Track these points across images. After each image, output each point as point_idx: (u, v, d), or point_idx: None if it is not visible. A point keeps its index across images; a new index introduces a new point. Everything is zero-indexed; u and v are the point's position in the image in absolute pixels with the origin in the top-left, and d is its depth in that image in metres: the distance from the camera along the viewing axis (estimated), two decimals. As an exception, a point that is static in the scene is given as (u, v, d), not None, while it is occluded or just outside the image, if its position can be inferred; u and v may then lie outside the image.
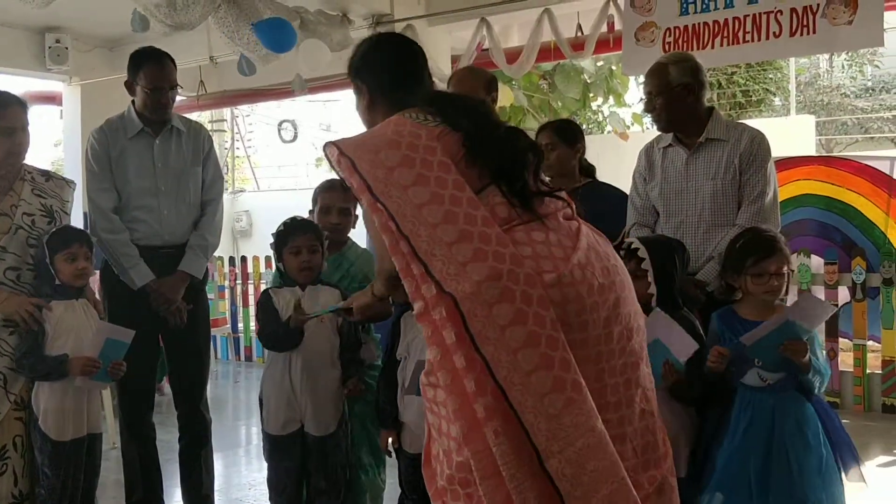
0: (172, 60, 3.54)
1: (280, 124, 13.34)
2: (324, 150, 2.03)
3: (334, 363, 3.16)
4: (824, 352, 2.79)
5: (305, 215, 3.38)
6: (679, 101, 3.23)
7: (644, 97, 3.38)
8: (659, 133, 3.43)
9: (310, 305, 3.09)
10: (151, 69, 3.46)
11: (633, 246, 2.84)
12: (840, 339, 5.87)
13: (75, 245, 3.10)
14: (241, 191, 13.88)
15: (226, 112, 13.62)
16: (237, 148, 15.38)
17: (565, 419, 1.79)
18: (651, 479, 2.00)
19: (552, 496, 1.79)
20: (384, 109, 2.20)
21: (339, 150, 1.97)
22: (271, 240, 3.26)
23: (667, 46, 5.49)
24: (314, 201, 3.57)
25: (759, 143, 3.19)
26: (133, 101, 3.56)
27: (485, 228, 1.87)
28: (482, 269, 1.82)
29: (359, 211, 3.66)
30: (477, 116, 2.11)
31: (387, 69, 2.27)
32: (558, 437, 1.78)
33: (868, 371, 5.77)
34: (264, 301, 3.20)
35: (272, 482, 3.21)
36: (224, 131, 14.05)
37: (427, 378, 2.00)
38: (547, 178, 3.75)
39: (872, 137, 18.32)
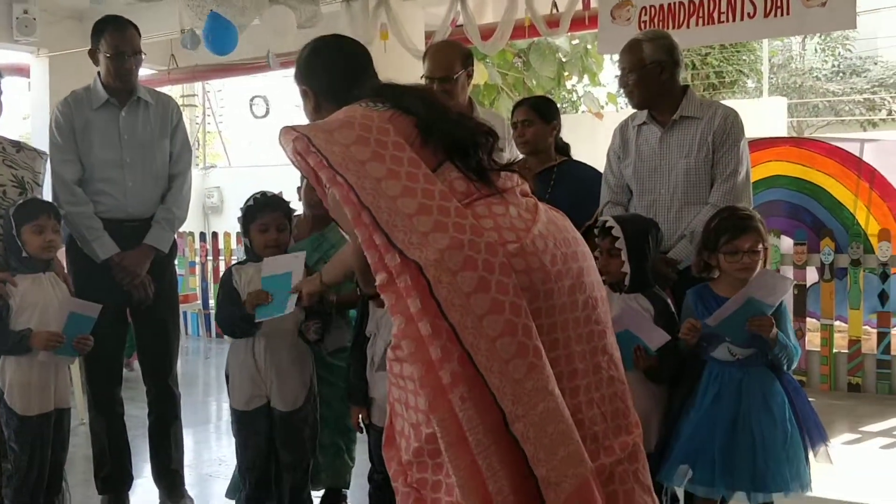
0: (136, 27, 3.49)
1: (252, 100, 13.20)
2: (279, 137, 2.05)
3: (299, 338, 3.16)
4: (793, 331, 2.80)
5: (277, 191, 3.34)
6: (652, 79, 3.23)
7: (619, 74, 3.37)
8: (634, 111, 3.43)
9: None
10: (113, 35, 3.41)
11: (607, 224, 2.85)
12: (808, 319, 5.94)
13: (43, 217, 3.05)
14: (213, 167, 13.76)
15: (197, 87, 13.47)
16: (208, 123, 15.23)
17: (528, 384, 1.83)
18: (623, 444, 2.03)
19: (514, 460, 1.83)
20: (330, 109, 2.22)
21: (295, 132, 2.00)
22: (240, 214, 3.24)
23: (643, 25, 5.49)
24: (301, 177, 3.54)
25: (732, 121, 3.19)
26: (99, 73, 3.51)
27: (443, 202, 1.90)
28: (443, 238, 1.85)
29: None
30: (427, 100, 2.15)
31: (329, 71, 2.31)
32: (522, 400, 1.82)
33: (835, 350, 5.85)
34: (225, 279, 3.19)
35: (240, 457, 3.22)
36: (195, 106, 13.90)
37: (393, 352, 2.02)
38: (521, 155, 3.77)
39: (843, 120, 18.51)
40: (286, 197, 3.57)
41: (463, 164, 2.04)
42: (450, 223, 1.87)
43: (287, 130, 2.03)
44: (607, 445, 2.00)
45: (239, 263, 3.27)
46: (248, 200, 3.20)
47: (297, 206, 3.63)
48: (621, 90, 3.39)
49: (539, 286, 1.90)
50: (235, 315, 3.06)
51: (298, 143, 1.99)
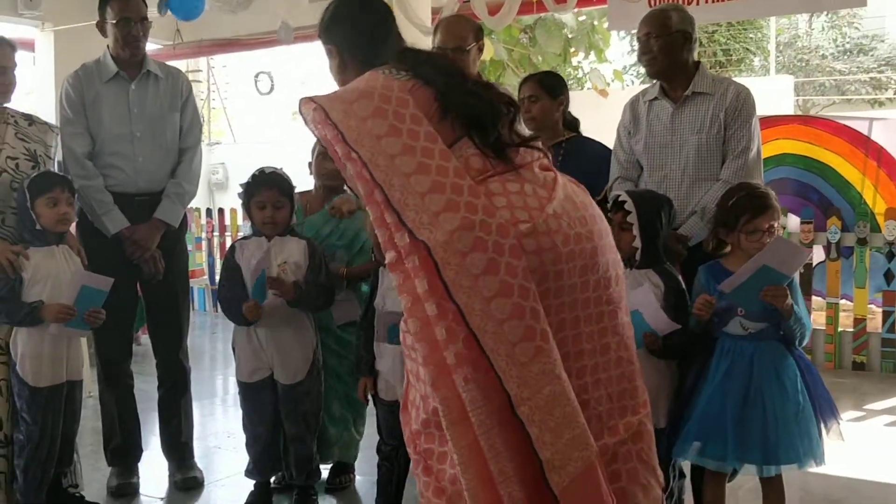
0: None
1: (256, 76, 13.13)
2: (299, 107, 2.04)
3: (300, 312, 3.20)
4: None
5: (282, 167, 3.35)
6: (676, 47, 3.21)
7: (640, 41, 3.30)
8: (643, 87, 3.41)
9: (276, 255, 3.15)
10: (118, 1, 3.39)
11: (620, 198, 2.85)
12: (813, 298, 5.94)
13: (57, 190, 3.05)
14: (217, 143, 13.73)
15: (201, 62, 13.41)
16: (213, 99, 15.17)
17: (534, 367, 1.83)
18: (627, 425, 2.04)
19: (517, 442, 1.84)
20: (356, 68, 2.23)
21: (313, 103, 1.99)
22: (240, 190, 3.27)
23: (652, 1, 5.45)
24: (313, 150, 3.56)
25: (744, 97, 3.18)
26: (108, 47, 3.50)
27: (457, 180, 1.89)
28: (454, 218, 1.84)
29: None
30: (448, 71, 2.13)
31: (356, 28, 2.30)
32: (528, 383, 1.82)
33: (840, 329, 5.86)
34: (228, 258, 3.23)
35: (247, 429, 3.30)
36: (200, 82, 13.83)
37: (406, 325, 2.03)
38: (528, 131, 3.76)
39: (849, 99, 18.42)
40: (293, 171, 3.59)
41: (481, 140, 2.02)
42: (462, 202, 1.86)
43: (306, 101, 2.02)
44: (612, 426, 2.01)
45: (243, 238, 3.31)
46: (249, 177, 3.23)
47: (307, 181, 3.65)
48: (642, 56, 3.31)
49: (549, 267, 1.90)
50: (233, 301, 3.14)
51: (317, 114, 1.98)
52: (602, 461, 1.93)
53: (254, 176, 3.21)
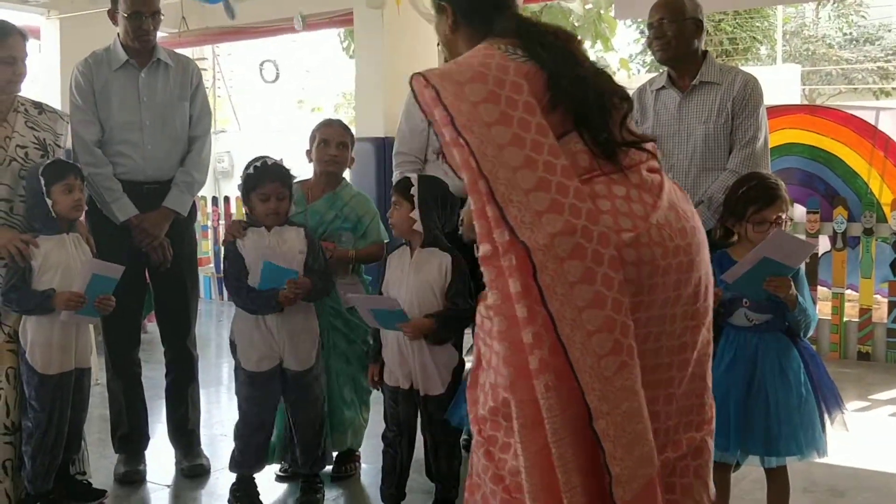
0: None
1: (262, 64, 13.12)
2: (410, 81, 1.95)
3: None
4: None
5: (286, 157, 3.36)
6: (689, 34, 3.22)
7: (652, 27, 3.29)
8: (650, 76, 3.41)
9: (277, 244, 3.15)
10: None
11: None
12: (819, 288, 5.94)
13: (71, 176, 3.06)
14: (223, 131, 13.73)
15: (207, 51, 13.41)
16: (218, 87, 15.16)
17: (616, 382, 1.79)
18: (690, 440, 2.00)
19: (587, 454, 1.81)
20: (468, 32, 2.12)
21: (425, 80, 1.89)
22: (240, 181, 3.24)
23: (659, -11, 5.41)
24: (312, 138, 3.56)
25: (752, 87, 3.18)
26: (118, 35, 3.50)
27: (563, 179, 1.81)
28: (557, 221, 1.77)
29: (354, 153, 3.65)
30: (564, 56, 1.99)
31: None
32: (608, 398, 1.78)
33: (845, 319, 5.86)
34: (231, 250, 3.17)
35: (249, 418, 3.21)
36: (205, 70, 13.82)
37: (487, 311, 1.99)
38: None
39: (856, 89, 18.34)
40: (299, 160, 3.60)
41: (590, 137, 1.92)
42: (566, 205, 1.79)
43: (418, 77, 1.92)
44: (676, 440, 1.98)
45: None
46: (247, 168, 3.19)
47: (307, 169, 3.65)
48: (655, 41, 3.28)
49: (645, 280, 1.85)
50: (251, 291, 3.10)
51: (427, 91, 1.89)
52: (660, 475, 1.90)
53: (255, 167, 3.16)
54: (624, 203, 1.88)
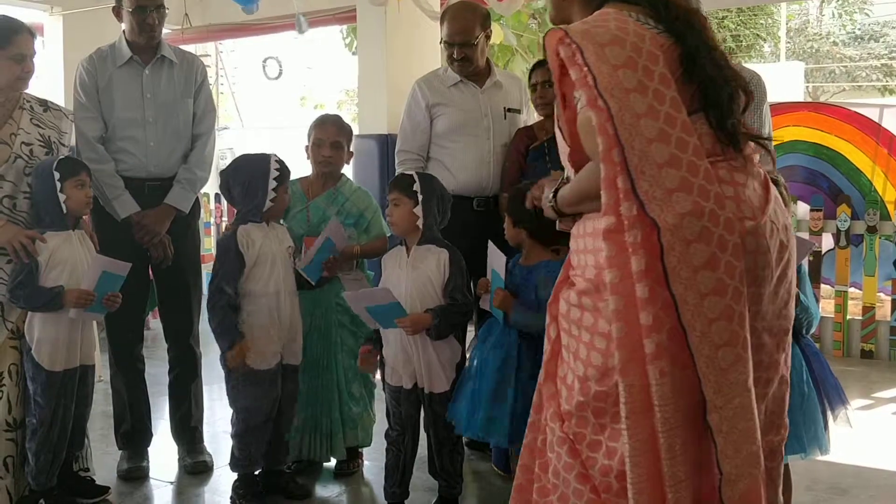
0: None
1: (265, 61, 13.12)
2: (545, 37, 1.88)
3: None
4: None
5: (289, 153, 3.37)
6: None
7: None
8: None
9: (277, 238, 3.18)
10: None
11: None
12: (822, 286, 5.93)
13: (83, 173, 3.09)
14: (226, 128, 13.74)
15: (210, 47, 13.41)
16: (221, 84, 15.16)
17: (731, 375, 1.74)
18: (769, 442, 1.98)
19: (696, 447, 1.76)
20: None
21: (567, 37, 1.80)
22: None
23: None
24: (308, 135, 3.56)
25: (755, 84, 3.16)
26: (123, 32, 3.50)
27: (694, 158, 1.75)
28: (686, 201, 1.71)
29: (352, 147, 3.65)
30: (700, 34, 1.91)
31: None
32: (722, 391, 1.73)
33: (848, 317, 5.85)
34: (231, 245, 3.11)
35: (255, 417, 3.16)
36: (208, 66, 13.82)
37: (579, 298, 1.93)
38: (535, 118, 3.74)
39: (860, 86, 18.30)
40: (300, 156, 3.61)
41: (718, 121, 1.86)
42: (696, 185, 1.73)
43: (555, 32, 1.83)
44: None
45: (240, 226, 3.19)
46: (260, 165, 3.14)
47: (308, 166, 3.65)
48: None
49: (759, 272, 1.81)
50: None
51: (564, 49, 1.81)
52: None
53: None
54: (744, 191, 1.84)
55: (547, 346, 2.08)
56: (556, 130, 2.02)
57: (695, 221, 1.71)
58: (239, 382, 3.16)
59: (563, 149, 2.03)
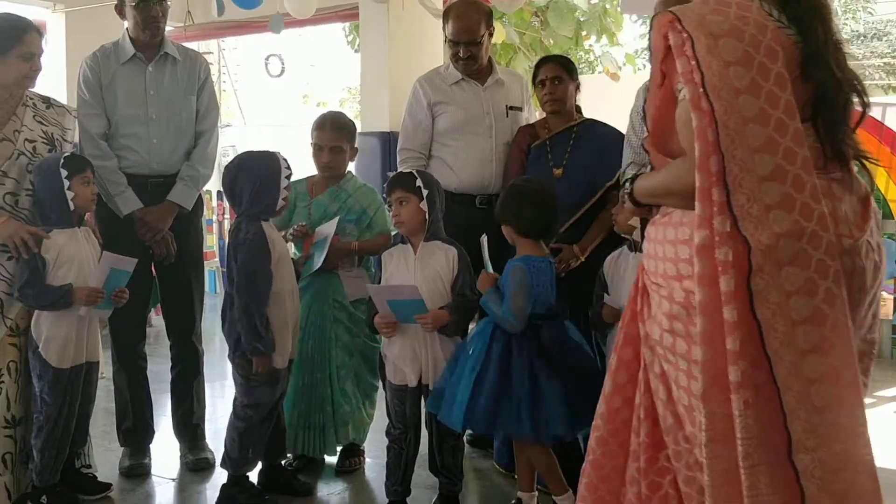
0: None
1: (267, 58, 13.11)
2: (653, 20, 1.77)
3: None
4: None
5: (291, 151, 3.37)
6: None
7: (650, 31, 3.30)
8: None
9: (280, 236, 3.22)
10: None
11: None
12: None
13: (88, 170, 3.10)
14: (228, 125, 13.74)
15: (212, 45, 13.40)
16: (223, 82, 15.16)
17: (829, 415, 1.60)
18: None
19: (787, 489, 1.60)
20: None
21: (679, 25, 1.66)
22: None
23: (665, -16, 5.39)
24: (311, 135, 3.57)
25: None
26: (127, 29, 3.50)
27: (801, 172, 1.60)
28: (785, 220, 1.58)
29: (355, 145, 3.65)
30: (827, 34, 1.75)
31: None
32: (817, 432, 1.59)
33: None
34: (261, 239, 3.08)
35: (261, 409, 3.15)
36: (211, 64, 13.81)
37: (671, 323, 1.79)
38: (536, 116, 3.74)
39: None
40: (304, 154, 3.61)
41: (826, 131, 1.72)
42: (798, 203, 1.59)
43: (665, 17, 1.69)
44: None
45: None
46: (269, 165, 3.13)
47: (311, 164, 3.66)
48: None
49: (854, 295, 1.68)
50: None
51: (674, 36, 1.67)
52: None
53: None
54: (843, 206, 1.71)
55: (622, 372, 1.93)
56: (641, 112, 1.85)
57: (791, 243, 1.59)
58: (258, 381, 3.10)
59: (640, 133, 1.87)
